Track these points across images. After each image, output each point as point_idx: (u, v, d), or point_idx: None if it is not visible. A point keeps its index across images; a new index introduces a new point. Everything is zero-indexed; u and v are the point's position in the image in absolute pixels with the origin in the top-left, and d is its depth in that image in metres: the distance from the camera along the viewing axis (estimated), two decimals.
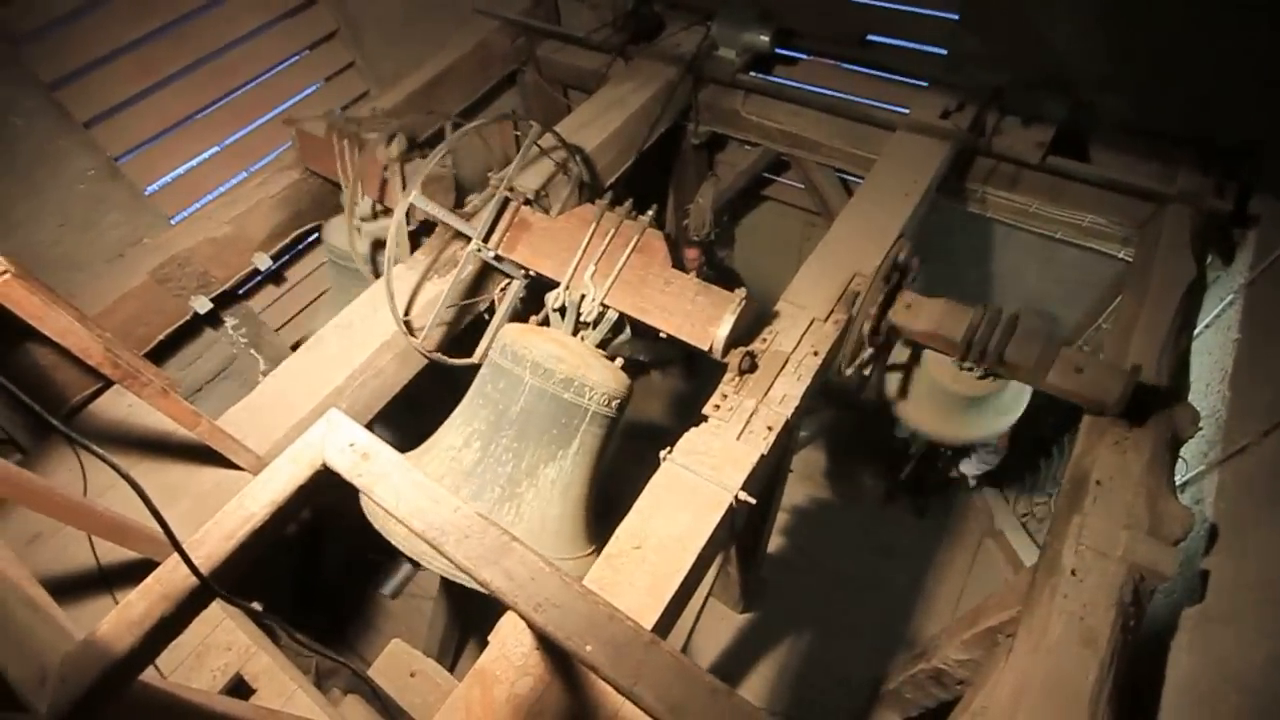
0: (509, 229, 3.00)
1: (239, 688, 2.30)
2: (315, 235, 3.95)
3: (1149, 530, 2.28)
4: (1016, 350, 2.57)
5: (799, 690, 4.63)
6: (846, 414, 5.99)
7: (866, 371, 2.87)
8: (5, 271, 1.73)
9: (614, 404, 2.78)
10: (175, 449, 2.58)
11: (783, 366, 2.60)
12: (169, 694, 1.47)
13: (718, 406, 2.49)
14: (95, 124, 3.12)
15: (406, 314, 3.01)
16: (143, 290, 3.17)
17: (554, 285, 2.88)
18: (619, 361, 2.87)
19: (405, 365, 3.07)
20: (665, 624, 2.06)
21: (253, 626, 2.45)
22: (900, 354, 3.18)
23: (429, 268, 3.15)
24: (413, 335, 2.97)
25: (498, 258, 3.03)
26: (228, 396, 3.62)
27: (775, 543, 5.00)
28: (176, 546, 1.31)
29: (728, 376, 2.58)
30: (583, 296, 2.79)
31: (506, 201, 3.01)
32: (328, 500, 1.67)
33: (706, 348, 2.59)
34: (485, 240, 2.98)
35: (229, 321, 3.78)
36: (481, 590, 1.49)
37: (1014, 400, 3.17)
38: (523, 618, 1.44)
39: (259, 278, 3.85)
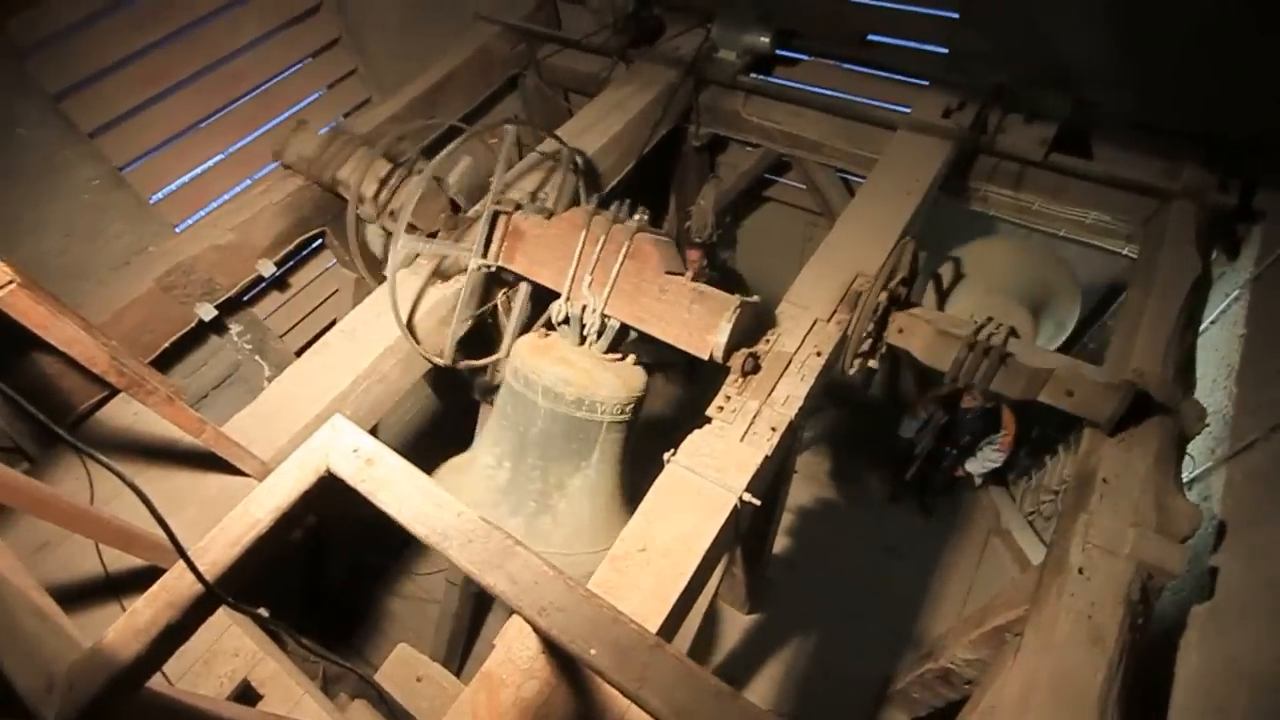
0: (504, 239, 3.00)
1: (246, 693, 2.30)
2: (319, 241, 3.96)
3: (1156, 528, 2.28)
4: (1003, 381, 2.63)
5: (805, 691, 4.62)
6: (851, 414, 5.98)
7: (872, 364, 2.87)
8: (11, 281, 1.74)
9: (628, 408, 2.82)
10: (181, 456, 2.59)
11: (786, 367, 2.60)
12: (176, 700, 1.48)
13: (721, 408, 2.49)
14: (100, 134, 3.14)
15: (410, 319, 3.02)
16: (148, 298, 3.19)
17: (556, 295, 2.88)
18: (630, 358, 2.87)
19: (409, 370, 3.09)
20: (670, 626, 2.06)
21: (259, 632, 2.45)
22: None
23: (432, 272, 3.16)
24: (417, 341, 2.98)
25: (500, 268, 3.04)
26: (233, 403, 3.62)
27: (780, 544, 4.98)
28: (182, 553, 1.32)
29: (731, 378, 2.58)
30: (584, 308, 2.79)
31: (497, 216, 3.00)
32: (333, 505, 1.67)
33: (706, 356, 2.59)
34: (484, 254, 2.99)
35: (234, 328, 3.80)
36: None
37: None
38: (528, 622, 1.44)
39: (263, 284, 3.87)
